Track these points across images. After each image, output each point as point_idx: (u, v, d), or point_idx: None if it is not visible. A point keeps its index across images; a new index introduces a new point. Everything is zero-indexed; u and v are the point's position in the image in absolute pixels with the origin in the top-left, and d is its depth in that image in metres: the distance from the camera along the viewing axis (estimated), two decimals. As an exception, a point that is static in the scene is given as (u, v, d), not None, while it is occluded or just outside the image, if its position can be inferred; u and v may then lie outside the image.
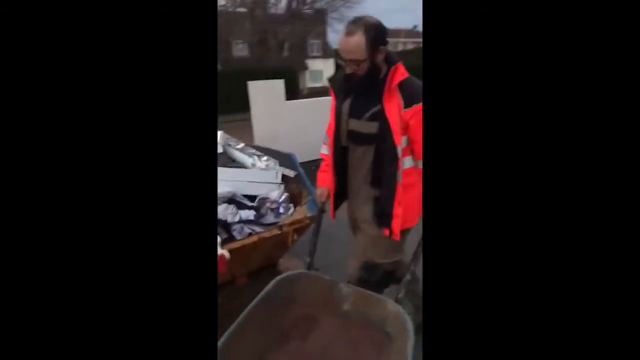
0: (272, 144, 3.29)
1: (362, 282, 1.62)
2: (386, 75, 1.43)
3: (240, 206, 2.34)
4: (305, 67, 23.17)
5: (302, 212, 2.28)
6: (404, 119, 1.42)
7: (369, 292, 1.45)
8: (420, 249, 1.59)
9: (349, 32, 1.36)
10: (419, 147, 1.47)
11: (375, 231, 1.59)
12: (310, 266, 1.63)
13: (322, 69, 24.50)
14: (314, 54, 24.85)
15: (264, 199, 2.47)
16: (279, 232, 2.12)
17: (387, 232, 1.55)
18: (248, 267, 2.17)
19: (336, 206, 1.73)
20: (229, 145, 3.12)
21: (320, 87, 18.81)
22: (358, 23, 1.37)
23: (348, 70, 1.44)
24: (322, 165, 1.76)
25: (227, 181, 2.48)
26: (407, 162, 1.49)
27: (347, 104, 1.54)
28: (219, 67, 17.99)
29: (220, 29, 20.55)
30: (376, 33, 1.38)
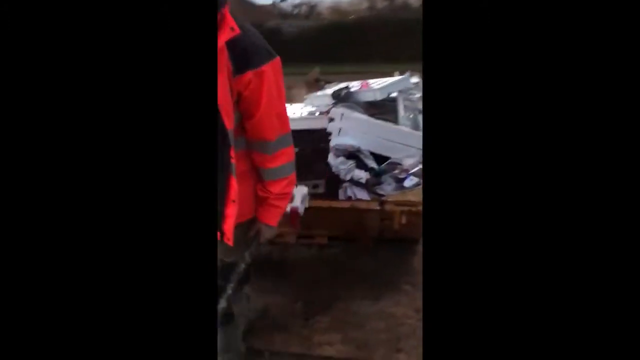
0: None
1: None
2: None
3: (360, 164, 2.06)
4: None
5: (419, 193, 1.84)
6: (235, 89, 1.04)
7: None
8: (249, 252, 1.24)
9: None
10: (255, 122, 1.11)
11: None
12: None
13: None
14: None
15: (394, 164, 2.12)
16: (378, 207, 1.79)
17: (218, 235, 1.20)
18: (330, 231, 1.95)
19: None
20: (406, 92, 2.74)
21: None
22: None
23: None
24: None
25: (365, 133, 2.21)
26: (238, 145, 1.12)
27: None
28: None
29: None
30: None
